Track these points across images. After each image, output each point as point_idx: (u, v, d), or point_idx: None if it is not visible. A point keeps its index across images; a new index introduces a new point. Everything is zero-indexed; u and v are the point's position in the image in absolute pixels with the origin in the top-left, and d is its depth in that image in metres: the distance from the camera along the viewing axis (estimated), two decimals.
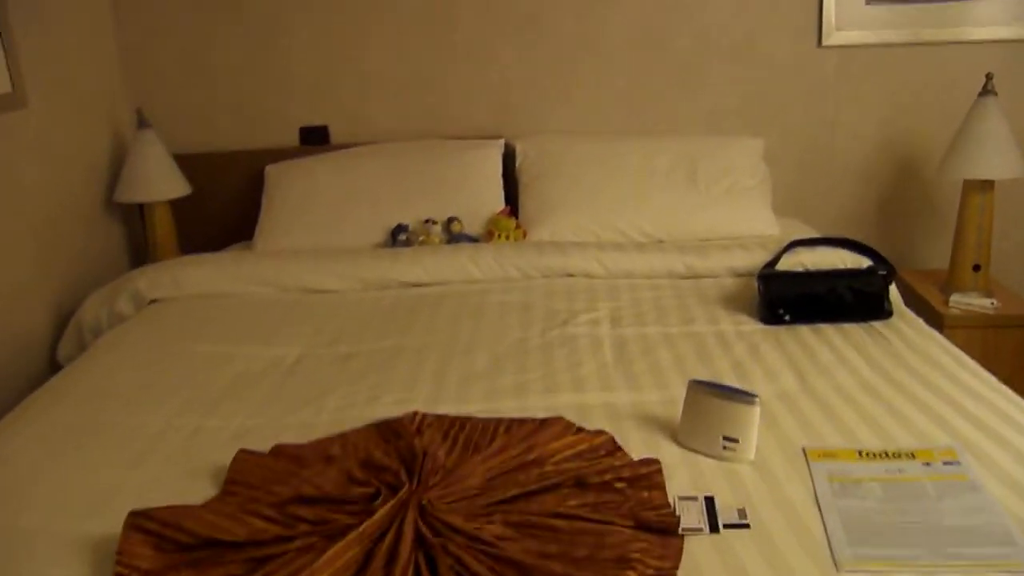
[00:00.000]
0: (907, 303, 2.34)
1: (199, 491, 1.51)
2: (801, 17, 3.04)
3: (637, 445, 1.59)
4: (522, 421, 1.65)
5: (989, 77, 2.68)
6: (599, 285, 2.47)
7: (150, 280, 2.53)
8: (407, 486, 1.38)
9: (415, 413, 1.69)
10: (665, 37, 3.08)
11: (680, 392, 1.66)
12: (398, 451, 1.53)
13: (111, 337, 2.29)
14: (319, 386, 1.92)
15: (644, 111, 3.15)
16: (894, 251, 3.11)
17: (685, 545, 1.30)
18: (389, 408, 1.77)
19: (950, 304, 2.75)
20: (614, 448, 1.56)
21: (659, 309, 2.29)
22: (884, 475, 1.44)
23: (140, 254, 3.18)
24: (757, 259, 2.43)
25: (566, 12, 3.07)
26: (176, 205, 3.05)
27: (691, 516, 1.36)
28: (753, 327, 2.16)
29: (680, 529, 1.32)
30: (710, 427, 1.55)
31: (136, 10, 3.10)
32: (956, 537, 1.27)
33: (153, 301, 2.50)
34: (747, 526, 1.34)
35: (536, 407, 1.76)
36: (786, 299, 2.17)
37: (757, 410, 1.53)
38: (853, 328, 2.12)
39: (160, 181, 2.95)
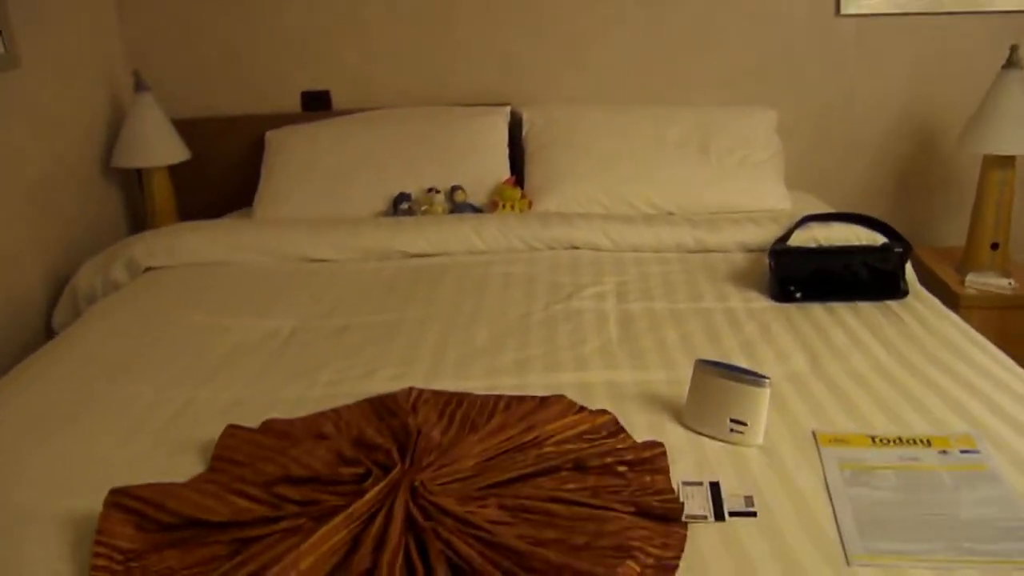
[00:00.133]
0: (921, 282, 2.27)
1: (186, 467, 1.46)
2: None
3: (641, 426, 1.53)
4: (522, 399, 1.60)
5: (1014, 49, 2.59)
6: (605, 258, 2.40)
7: (145, 248, 2.47)
8: (399, 466, 1.33)
9: (411, 389, 1.63)
10: (678, 4, 2.98)
11: (687, 371, 1.60)
12: (391, 429, 1.47)
13: (104, 305, 2.24)
14: (314, 359, 1.86)
15: (655, 80, 3.06)
16: (909, 227, 3.04)
17: (689, 533, 1.24)
18: (385, 383, 1.71)
19: (966, 284, 2.67)
20: (617, 429, 1.50)
21: (667, 284, 2.22)
22: (898, 463, 1.38)
23: (139, 220, 3.12)
24: (769, 234, 2.35)
25: None
26: (175, 171, 2.98)
27: (695, 503, 1.30)
28: (764, 304, 2.09)
29: (684, 516, 1.26)
30: (717, 409, 1.49)
31: None
32: (974, 531, 1.21)
33: (149, 269, 2.45)
34: (754, 514, 1.28)
35: (537, 385, 1.70)
36: (798, 276, 2.11)
37: (767, 392, 1.47)
38: (867, 307, 2.05)
39: (158, 146, 2.89)
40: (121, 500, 1.29)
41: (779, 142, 2.89)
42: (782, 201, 2.73)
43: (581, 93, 3.06)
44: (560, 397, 1.59)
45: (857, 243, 2.23)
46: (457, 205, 2.72)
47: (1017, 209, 2.79)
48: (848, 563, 1.17)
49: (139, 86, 2.88)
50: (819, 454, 1.43)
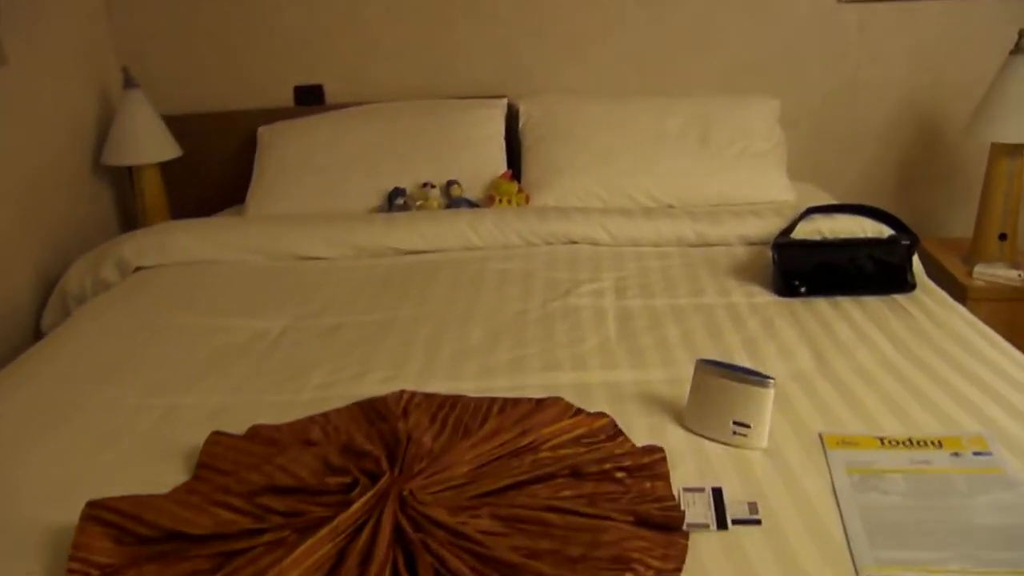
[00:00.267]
0: (927, 274, 2.21)
1: (169, 476, 1.41)
2: None
3: (640, 429, 1.47)
4: (517, 401, 1.54)
5: (1022, 34, 2.53)
6: (604, 253, 2.35)
7: (135, 247, 2.42)
8: (388, 474, 1.27)
9: (402, 392, 1.58)
10: None
11: (688, 370, 1.54)
12: (381, 435, 1.42)
13: (92, 307, 2.20)
14: (304, 361, 1.81)
15: (654, 69, 3.01)
16: (914, 218, 2.97)
17: (690, 543, 1.19)
18: (375, 386, 1.66)
19: (974, 275, 2.62)
20: (615, 433, 1.45)
21: (667, 279, 2.17)
22: (908, 466, 1.32)
23: (130, 219, 3.07)
24: (772, 226, 2.29)
25: None
26: (166, 168, 2.94)
27: (697, 510, 1.25)
28: (767, 299, 2.04)
29: (685, 525, 1.21)
30: (719, 411, 1.43)
31: None
32: (990, 538, 1.16)
33: (139, 268, 2.40)
34: (758, 522, 1.23)
35: (533, 385, 1.65)
36: (802, 270, 2.05)
37: (771, 393, 1.41)
38: (873, 301, 1.99)
39: (149, 143, 2.85)
40: (98, 513, 1.23)
41: (781, 132, 2.83)
42: (785, 192, 2.67)
43: (580, 85, 3.00)
44: (557, 399, 1.54)
45: (863, 235, 2.17)
46: (453, 200, 2.67)
47: None
48: (857, 573, 1.11)
49: (128, 82, 2.83)
50: (826, 457, 1.37)
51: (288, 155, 2.82)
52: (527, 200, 2.68)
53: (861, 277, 2.04)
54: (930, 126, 3.01)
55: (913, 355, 1.72)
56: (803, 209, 2.31)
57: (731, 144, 2.73)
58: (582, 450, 1.38)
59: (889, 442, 1.40)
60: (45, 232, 2.61)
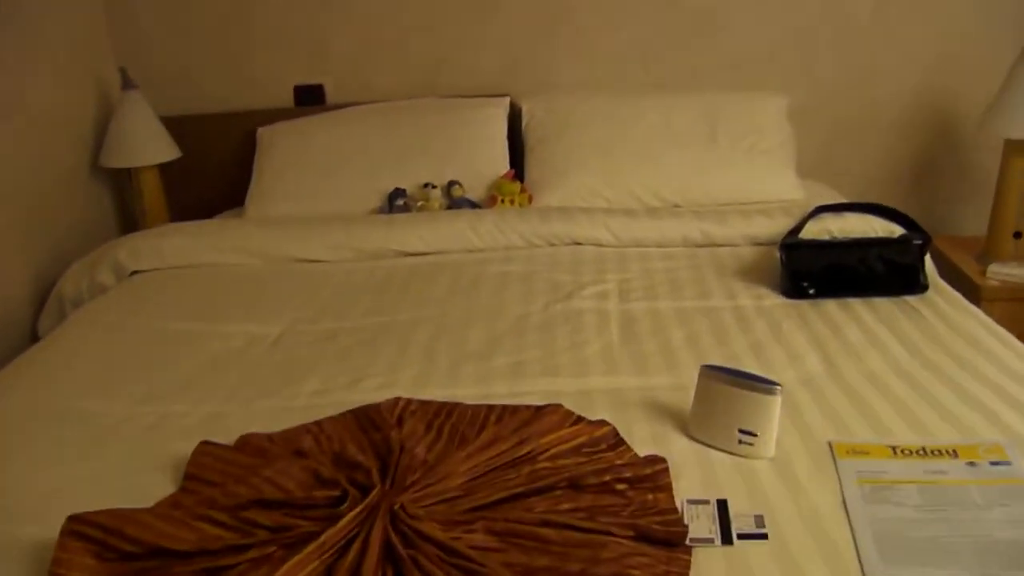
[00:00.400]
0: (939, 273, 2.16)
1: (157, 487, 1.36)
2: None
3: (643, 437, 1.42)
4: (515, 409, 1.49)
5: None
6: (608, 254, 2.30)
7: (131, 250, 2.38)
8: (379, 488, 1.23)
9: (397, 399, 1.53)
10: None
11: (692, 376, 1.49)
12: (373, 444, 1.37)
13: (86, 311, 2.16)
14: (298, 367, 1.76)
15: (661, 61, 2.95)
16: (926, 216, 2.91)
17: (693, 559, 1.14)
18: (370, 393, 1.61)
19: (987, 275, 2.56)
20: (616, 442, 1.40)
21: (672, 281, 2.12)
22: (922, 477, 1.27)
23: (129, 221, 3.04)
24: (779, 226, 2.23)
25: None
26: (165, 170, 2.90)
27: (701, 524, 1.20)
28: (775, 302, 1.99)
29: (688, 540, 1.16)
30: (725, 419, 1.38)
31: None
32: (1009, 554, 1.10)
33: (135, 272, 2.36)
34: (765, 536, 1.18)
35: (533, 391, 1.60)
36: (811, 271, 2.01)
37: (778, 400, 1.36)
38: (885, 303, 1.94)
39: (147, 145, 2.81)
40: (80, 528, 1.19)
41: (789, 129, 2.77)
42: (793, 191, 2.61)
43: (584, 82, 2.95)
44: (557, 407, 1.48)
45: (873, 235, 2.12)
46: (454, 200, 2.63)
47: None
48: None
49: (126, 84, 2.79)
50: (836, 467, 1.32)
51: (288, 156, 2.78)
52: (530, 200, 2.63)
53: (872, 278, 1.99)
54: (943, 121, 2.95)
55: (926, 359, 1.67)
56: (812, 208, 2.26)
57: (738, 141, 2.68)
58: (582, 460, 1.33)
59: (902, 451, 1.34)
60: (43, 235, 2.58)
